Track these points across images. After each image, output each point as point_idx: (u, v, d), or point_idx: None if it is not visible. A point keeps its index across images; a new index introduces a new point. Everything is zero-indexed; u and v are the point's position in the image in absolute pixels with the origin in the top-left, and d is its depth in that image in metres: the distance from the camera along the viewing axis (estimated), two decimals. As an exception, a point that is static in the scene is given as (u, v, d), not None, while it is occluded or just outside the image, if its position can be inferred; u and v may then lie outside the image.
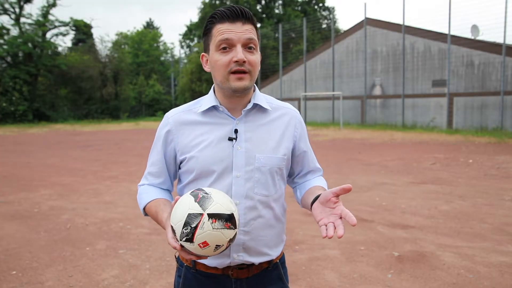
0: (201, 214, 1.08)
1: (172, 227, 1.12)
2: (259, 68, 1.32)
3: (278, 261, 1.43)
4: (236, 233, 1.13)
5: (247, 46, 1.25)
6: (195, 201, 1.11)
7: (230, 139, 1.30)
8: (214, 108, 1.34)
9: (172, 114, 1.38)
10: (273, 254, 1.38)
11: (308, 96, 23.59)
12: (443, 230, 4.51)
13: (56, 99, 31.79)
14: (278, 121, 1.37)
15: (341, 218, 1.20)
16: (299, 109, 23.99)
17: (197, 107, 1.36)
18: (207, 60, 1.33)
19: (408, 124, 19.50)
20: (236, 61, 1.23)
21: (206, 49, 1.32)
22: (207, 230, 1.08)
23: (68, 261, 3.79)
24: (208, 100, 1.35)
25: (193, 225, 1.08)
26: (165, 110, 36.01)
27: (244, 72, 1.25)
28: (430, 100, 18.99)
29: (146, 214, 1.41)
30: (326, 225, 1.19)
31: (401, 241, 4.19)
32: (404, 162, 9.48)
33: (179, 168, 1.39)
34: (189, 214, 1.09)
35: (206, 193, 1.13)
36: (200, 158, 1.30)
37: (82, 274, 3.52)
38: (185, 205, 1.11)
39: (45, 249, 4.11)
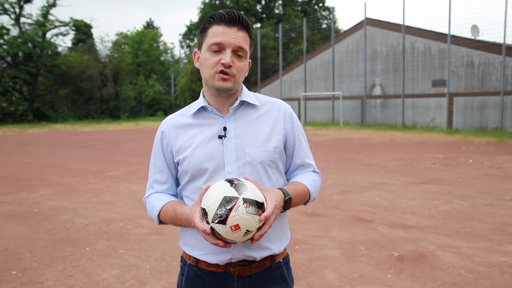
0: (237, 198, 1.14)
1: (204, 209, 1.17)
2: (246, 73, 1.38)
3: (281, 260, 1.43)
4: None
5: (237, 52, 1.31)
6: (231, 186, 1.16)
7: (220, 136, 1.34)
8: (203, 109, 1.39)
9: (166, 120, 1.45)
10: (274, 248, 1.38)
11: (308, 96, 23.60)
12: (443, 230, 4.51)
13: (56, 99, 31.79)
14: (267, 115, 1.40)
15: None
16: (299, 109, 24.01)
17: (188, 111, 1.43)
18: (198, 57, 1.39)
19: (408, 124, 19.50)
20: (223, 64, 1.29)
21: (200, 46, 1.38)
22: (241, 213, 1.12)
23: (68, 261, 3.79)
24: (197, 102, 1.42)
25: (228, 207, 1.12)
26: (165, 110, 36.02)
27: (228, 75, 1.30)
28: (430, 100, 18.99)
29: (160, 222, 1.42)
30: None
31: (401, 241, 4.19)
32: (404, 162, 9.48)
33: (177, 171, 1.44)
34: (224, 196, 1.14)
35: (241, 181, 1.19)
36: (192, 157, 1.34)
37: (82, 274, 3.52)
38: (220, 188, 1.16)
39: (45, 249, 4.11)
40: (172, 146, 1.40)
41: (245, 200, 1.13)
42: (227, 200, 1.13)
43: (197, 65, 1.40)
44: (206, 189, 1.20)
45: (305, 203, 1.43)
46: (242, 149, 1.34)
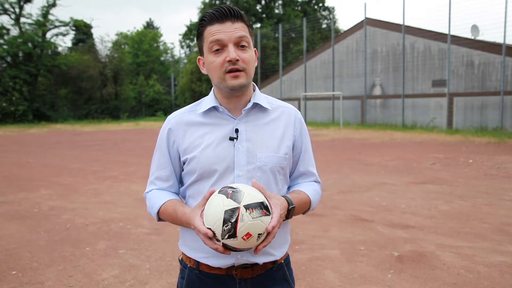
0: (238, 208, 1.11)
1: (209, 229, 1.13)
2: (255, 64, 1.33)
3: (282, 261, 1.42)
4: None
5: (239, 44, 1.26)
6: (227, 197, 1.13)
7: (231, 138, 1.30)
8: (214, 108, 1.35)
9: (173, 116, 1.39)
10: (277, 254, 1.37)
11: (308, 96, 23.59)
12: (443, 230, 4.51)
13: (56, 99, 31.80)
14: (279, 120, 1.38)
15: None
16: (299, 109, 23.89)
17: (197, 108, 1.37)
18: (203, 63, 1.35)
19: (408, 124, 19.50)
20: (230, 61, 1.24)
21: (201, 52, 1.34)
22: (247, 221, 1.10)
23: (68, 261, 3.79)
24: (208, 101, 1.36)
25: (233, 220, 1.10)
26: (165, 110, 35.99)
27: (238, 70, 1.26)
28: (430, 100, 18.98)
29: (159, 219, 1.39)
30: None
31: (401, 241, 4.19)
32: (404, 162, 9.47)
33: (182, 170, 1.40)
34: (225, 210, 1.11)
35: (234, 188, 1.15)
36: (201, 158, 1.30)
37: (82, 274, 3.52)
38: (219, 203, 1.13)
39: (45, 249, 4.11)
40: (179, 144, 1.35)
41: (247, 207, 1.11)
42: (229, 214, 1.10)
43: (204, 71, 1.35)
44: (211, 193, 1.17)
45: (304, 213, 1.42)
46: (253, 153, 1.31)
